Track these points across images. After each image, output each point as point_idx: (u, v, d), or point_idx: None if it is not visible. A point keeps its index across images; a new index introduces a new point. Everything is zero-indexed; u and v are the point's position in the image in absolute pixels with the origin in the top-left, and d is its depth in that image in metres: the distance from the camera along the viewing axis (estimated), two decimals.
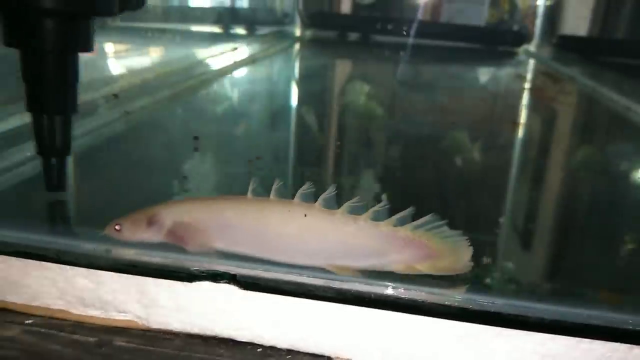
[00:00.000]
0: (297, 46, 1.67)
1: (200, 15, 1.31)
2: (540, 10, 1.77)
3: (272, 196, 0.33)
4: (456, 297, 0.30)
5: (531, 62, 1.65)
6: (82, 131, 0.57)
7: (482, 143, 0.71)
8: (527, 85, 1.25)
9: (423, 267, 0.32)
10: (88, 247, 0.32)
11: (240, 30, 1.43)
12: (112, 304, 0.32)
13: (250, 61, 1.20)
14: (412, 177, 0.58)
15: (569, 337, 0.28)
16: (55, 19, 0.34)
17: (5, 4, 0.33)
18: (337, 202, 0.33)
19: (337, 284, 0.30)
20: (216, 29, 1.32)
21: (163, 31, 1.02)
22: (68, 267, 0.32)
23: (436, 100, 1.05)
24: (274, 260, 0.32)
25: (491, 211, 0.50)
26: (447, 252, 0.33)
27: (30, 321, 0.32)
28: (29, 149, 0.47)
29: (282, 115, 0.84)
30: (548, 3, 1.76)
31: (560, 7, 1.70)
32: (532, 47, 1.75)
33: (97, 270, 0.32)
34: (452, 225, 0.33)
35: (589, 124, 0.96)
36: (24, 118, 0.49)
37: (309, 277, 0.30)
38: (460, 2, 1.76)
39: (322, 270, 0.32)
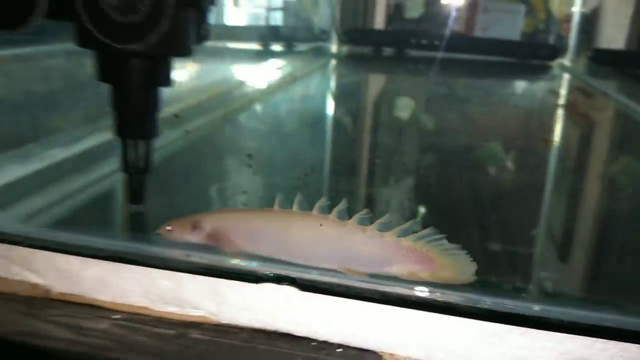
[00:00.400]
0: (333, 62, 1.69)
1: (245, 34, 1.36)
2: (576, 21, 1.74)
3: (294, 208, 0.37)
4: (486, 300, 0.32)
5: (565, 77, 1.64)
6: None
7: (513, 161, 0.73)
8: (560, 102, 1.25)
9: (425, 275, 0.35)
10: (171, 252, 0.37)
11: (278, 47, 1.48)
12: (189, 302, 0.36)
13: (292, 79, 1.23)
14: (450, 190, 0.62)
15: (585, 337, 0.31)
16: (141, 60, 0.40)
17: (100, 47, 0.39)
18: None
19: (382, 288, 0.33)
20: (256, 46, 1.38)
21: (212, 50, 1.07)
22: (152, 269, 0.36)
23: (469, 116, 1.07)
24: (293, 262, 0.36)
25: (519, 223, 0.53)
26: (448, 264, 0.35)
27: (117, 316, 0.36)
28: (109, 165, 0.52)
29: (329, 131, 0.88)
30: (584, 10, 1.73)
31: (597, 18, 1.67)
32: (566, 60, 1.74)
33: (177, 272, 0.35)
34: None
35: (624, 142, 0.96)
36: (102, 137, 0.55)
37: (358, 281, 0.34)
38: (496, 12, 1.76)
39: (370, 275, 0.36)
